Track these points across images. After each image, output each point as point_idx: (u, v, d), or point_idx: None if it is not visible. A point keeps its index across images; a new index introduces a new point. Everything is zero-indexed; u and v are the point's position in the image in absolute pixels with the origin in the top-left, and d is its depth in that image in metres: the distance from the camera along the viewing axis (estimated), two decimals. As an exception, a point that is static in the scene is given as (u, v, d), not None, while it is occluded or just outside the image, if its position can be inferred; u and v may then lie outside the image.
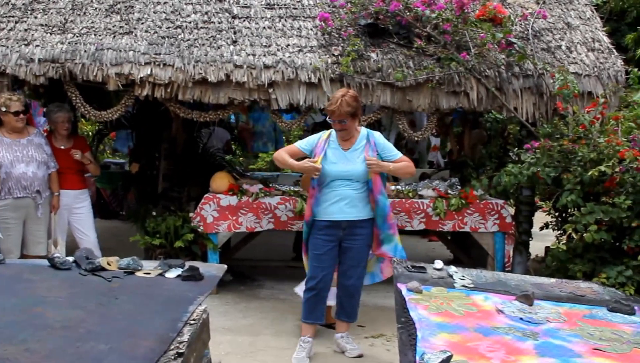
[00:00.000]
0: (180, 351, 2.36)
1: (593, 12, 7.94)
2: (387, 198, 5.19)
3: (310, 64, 6.66)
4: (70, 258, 3.52)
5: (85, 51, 6.59)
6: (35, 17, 7.07)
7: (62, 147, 6.72)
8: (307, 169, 5.08)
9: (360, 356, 5.30)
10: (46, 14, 7.13)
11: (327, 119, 5.13)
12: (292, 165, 5.19)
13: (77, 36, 6.81)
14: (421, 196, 7.29)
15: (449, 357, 2.37)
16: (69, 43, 6.68)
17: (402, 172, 5.26)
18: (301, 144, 5.29)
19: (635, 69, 7.81)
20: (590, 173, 5.52)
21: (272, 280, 7.77)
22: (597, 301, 3.50)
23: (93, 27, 6.98)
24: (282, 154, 5.25)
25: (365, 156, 5.02)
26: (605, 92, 6.67)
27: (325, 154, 5.08)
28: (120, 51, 6.64)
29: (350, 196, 5.07)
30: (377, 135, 5.28)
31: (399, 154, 5.25)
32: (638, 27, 13.70)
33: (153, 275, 3.36)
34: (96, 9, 7.27)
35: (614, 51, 7.30)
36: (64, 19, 7.06)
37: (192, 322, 2.69)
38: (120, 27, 7.02)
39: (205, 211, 6.97)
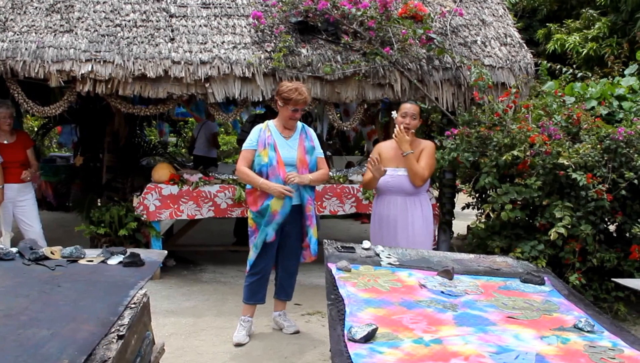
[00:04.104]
0: (121, 333, 2.32)
1: (505, 10, 8.10)
2: (307, 192, 5.07)
3: (245, 59, 6.62)
4: (14, 249, 3.42)
5: (26, 49, 6.38)
6: (-24, 17, 6.83)
7: (5, 142, 6.51)
8: (276, 192, 4.84)
9: (297, 332, 5.30)
10: (-14, 13, 6.88)
11: (290, 109, 4.91)
12: (265, 187, 4.87)
13: (17, 34, 6.58)
14: (351, 182, 7.32)
15: (374, 330, 2.39)
16: (9, 41, 6.46)
17: (318, 181, 5.20)
18: (249, 146, 5.07)
19: (545, 62, 8.01)
20: (504, 157, 5.64)
21: (214, 264, 7.70)
22: (511, 274, 3.58)
23: (34, 25, 6.76)
24: (247, 172, 4.98)
25: (287, 176, 4.89)
26: (516, 83, 6.84)
27: (277, 145, 4.98)
28: (61, 48, 6.45)
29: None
30: (311, 129, 5.29)
31: (322, 154, 5.24)
32: (547, 24, 14.03)
33: (95, 263, 3.29)
34: (36, 8, 7.04)
35: (525, 45, 7.47)
36: (4, 17, 6.81)
37: (133, 305, 2.65)
38: (61, 25, 6.82)
39: (148, 201, 6.86)
